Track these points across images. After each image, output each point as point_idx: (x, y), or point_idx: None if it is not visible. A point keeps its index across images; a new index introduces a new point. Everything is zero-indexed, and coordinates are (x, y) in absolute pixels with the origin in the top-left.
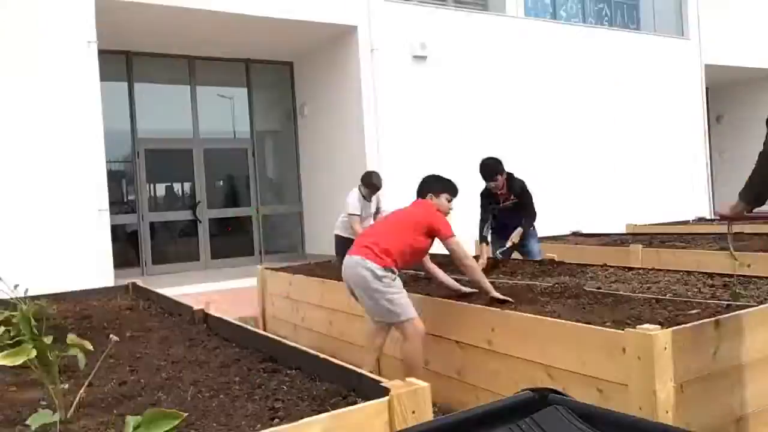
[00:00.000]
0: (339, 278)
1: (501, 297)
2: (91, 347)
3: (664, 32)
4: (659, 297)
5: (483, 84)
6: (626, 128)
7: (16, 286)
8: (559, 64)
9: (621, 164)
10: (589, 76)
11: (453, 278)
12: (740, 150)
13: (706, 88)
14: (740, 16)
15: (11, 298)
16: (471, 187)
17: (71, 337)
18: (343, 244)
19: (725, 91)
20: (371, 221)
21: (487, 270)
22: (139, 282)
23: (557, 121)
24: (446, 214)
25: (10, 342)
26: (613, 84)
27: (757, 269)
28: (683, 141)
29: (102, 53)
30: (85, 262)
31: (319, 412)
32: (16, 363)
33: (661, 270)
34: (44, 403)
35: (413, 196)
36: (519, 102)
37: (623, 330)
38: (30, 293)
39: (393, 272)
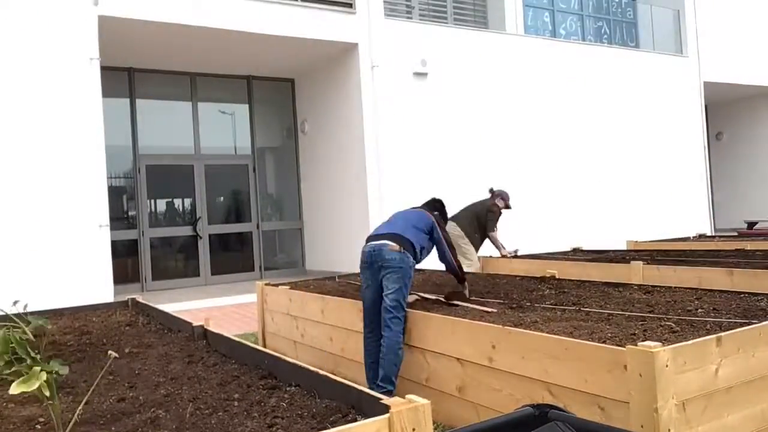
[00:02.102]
0: (339, 294)
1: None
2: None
3: (663, 50)
4: (660, 314)
5: (483, 101)
6: (626, 145)
7: (15, 303)
8: (559, 81)
9: (621, 181)
10: (589, 94)
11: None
12: (740, 166)
13: (706, 106)
14: (739, 33)
15: (9, 314)
16: (470, 201)
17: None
18: None
19: (725, 109)
20: None
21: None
22: (139, 298)
23: (557, 138)
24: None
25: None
26: (612, 101)
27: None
28: (683, 158)
29: (104, 69)
30: (85, 278)
31: (319, 430)
32: (31, 389)
33: (662, 287)
34: (43, 419)
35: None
36: (519, 119)
37: (625, 347)
38: (30, 308)
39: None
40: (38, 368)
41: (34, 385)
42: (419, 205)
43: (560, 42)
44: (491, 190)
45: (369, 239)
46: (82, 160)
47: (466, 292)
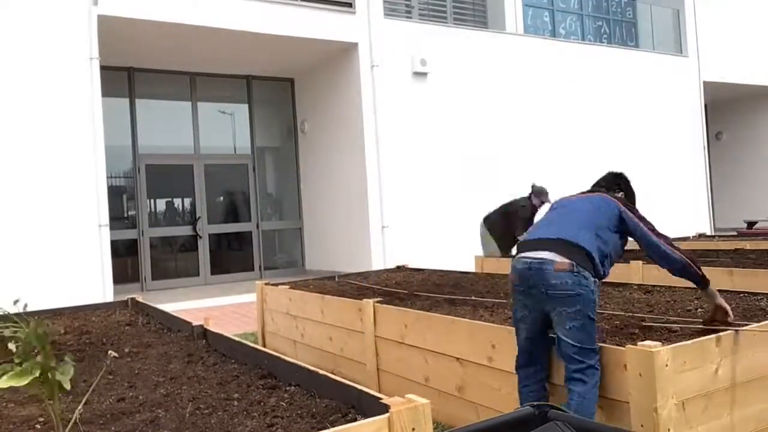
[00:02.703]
0: (339, 294)
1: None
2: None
3: (663, 50)
4: (660, 314)
5: (483, 100)
6: (626, 145)
7: (15, 302)
8: (558, 81)
9: None
10: (588, 94)
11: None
12: (740, 166)
13: (705, 105)
14: (738, 33)
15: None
16: (470, 201)
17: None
18: None
19: (724, 108)
20: None
21: None
22: (139, 297)
23: (556, 137)
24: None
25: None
26: (612, 101)
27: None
28: (683, 158)
29: (104, 69)
30: (85, 277)
31: (319, 429)
32: (22, 384)
33: (661, 286)
34: (42, 419)
35: (414, 211)
36: (519, 118)
37: (624, 347)
38: (30, 308)
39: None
40: (32, 365)
41: (25, 381)
42: (590, 187)
43: (560, 42)
44: (533, 186)
45: (523, 247)
46: (82, 160)
47: (718, 300)
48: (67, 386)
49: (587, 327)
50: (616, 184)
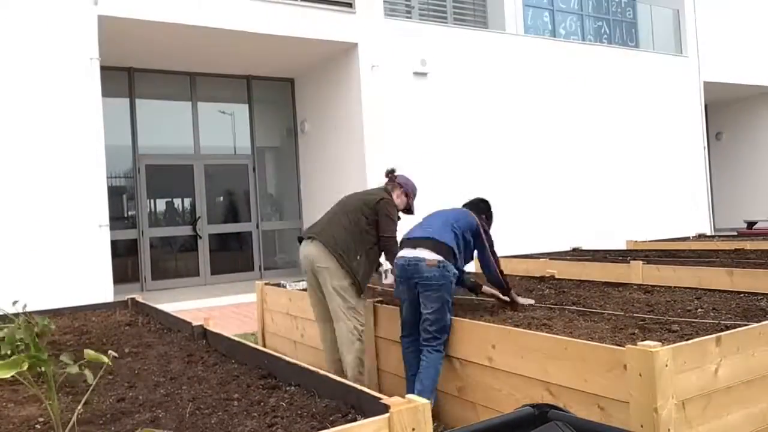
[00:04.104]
0: None
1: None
2: (107, 360)
3: (663, 50)
4: (660, 314)
5: (483, 100)
6: (626, 145)
7: (14, 303)
8: (559, 81)
9: (621, 181)
10: (588, 94)
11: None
12: (739, 166)
13: (705, 105)
14: (738, 33)
15: (9, 314)
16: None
17: (89, 352)
18: None
19: (724, 109)
20: None
21: None
22: (139, 297)
23: (556, 138)
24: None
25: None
26: (612, 101)
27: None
28: (683, 158)
29: (104, 69)
30: (85, 278)
31: (319, 429)
32: (7, 375)
33: (661, 287)
34: (42, 419)
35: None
36: (519, 119)
37: (624, 347)
38: (29, 308)
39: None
40: (21, 357)
41: (11, 372)
42: (462, 204)
43: (560, 42)
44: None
45: (402, 244)
46: (82, 160)
47: (520, 299)
48: (91, 380)
49: (445, 308)
50: (479, 208)
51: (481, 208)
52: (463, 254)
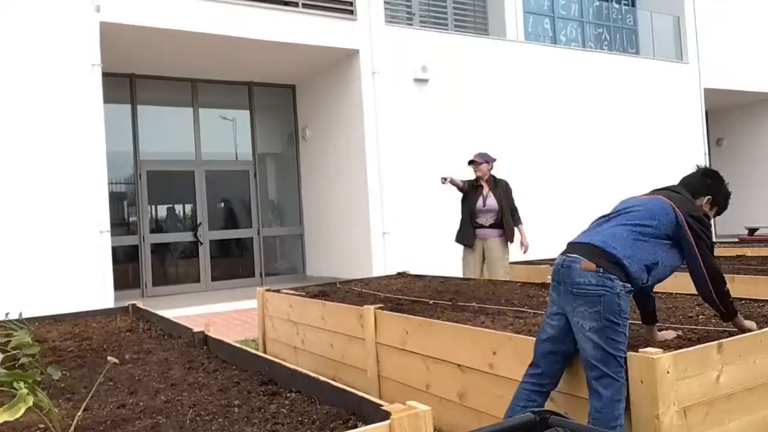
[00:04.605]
0: (339, 300)
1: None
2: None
3: (664, 56)
4: (661, 320)
5: (484, 107)
6: (627, 152)
7: (7, 315)
8: (559, 88)
9: (622, 188)
10: (589, 100)
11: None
12: (740, 172)
13: (706, 112)
14: (739, 40)
15: (10, 321)
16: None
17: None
18: None
19: (725, 115)
20: None
21: None
22: (140, 303)
23: (557, 144)
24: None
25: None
26: (613, 108)
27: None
28: (684, 164)
29: (106, 76)
30: (86, 284)
31: None
32: (17, 416)
33: (662, 293)
34: (42, 426)
35: (415, 218)
36: (519, 125)
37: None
38: (30, 314)
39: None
40: (25, 391)
41: (20, 412)
42: (674, 184)
43: (560, 48)
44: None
45: (568, 247)
46: (84, 166)
47: (744, 325)
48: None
49: (608, 332)
50: (702, 185)
51: (704, 185)
52: (662, 263)
